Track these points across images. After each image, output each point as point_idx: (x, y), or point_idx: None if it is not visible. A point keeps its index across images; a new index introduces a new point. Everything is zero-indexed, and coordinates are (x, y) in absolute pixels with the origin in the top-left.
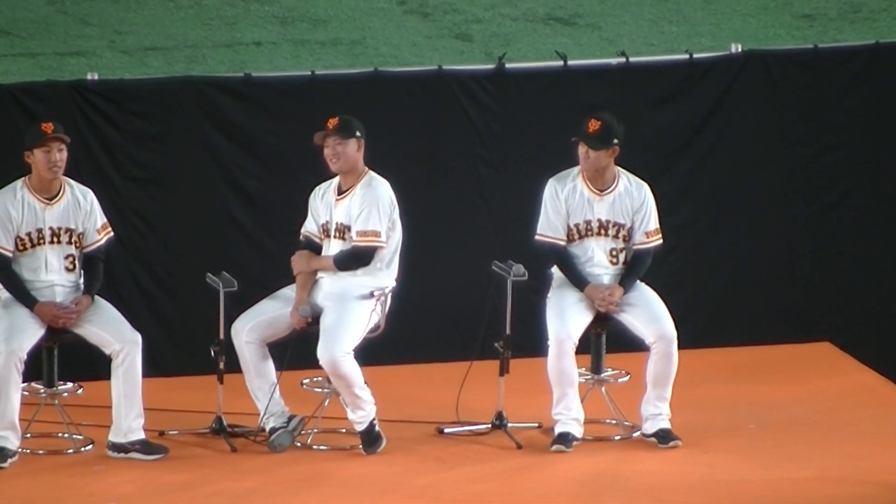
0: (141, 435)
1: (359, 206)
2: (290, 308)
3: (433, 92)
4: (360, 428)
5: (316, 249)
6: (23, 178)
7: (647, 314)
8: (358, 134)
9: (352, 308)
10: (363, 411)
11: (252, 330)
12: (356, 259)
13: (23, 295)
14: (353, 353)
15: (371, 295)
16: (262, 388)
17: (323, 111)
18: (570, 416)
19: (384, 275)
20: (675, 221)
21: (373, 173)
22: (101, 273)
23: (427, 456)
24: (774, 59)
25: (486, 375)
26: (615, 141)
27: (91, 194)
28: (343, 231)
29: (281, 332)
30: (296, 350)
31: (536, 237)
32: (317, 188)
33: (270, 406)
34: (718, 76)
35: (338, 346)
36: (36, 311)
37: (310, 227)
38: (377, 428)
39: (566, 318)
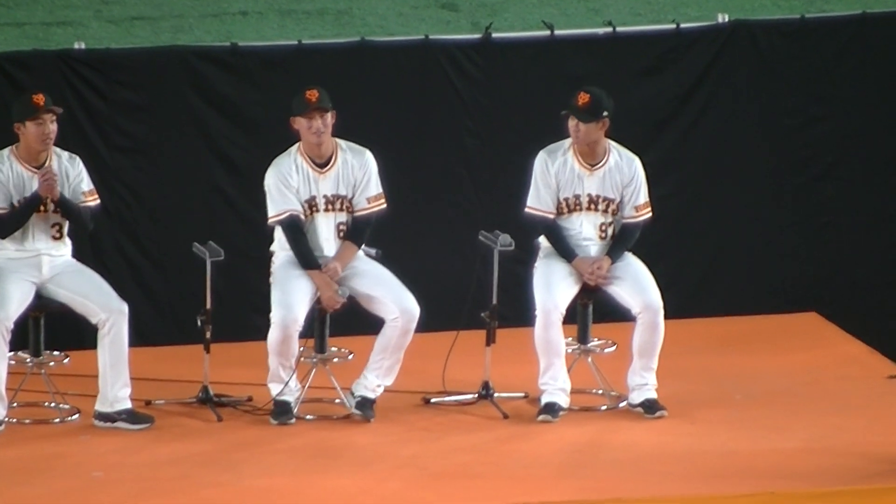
0: (127, 405)
1: (360, 175)
2: (313, 287)
3: (419, 62)
4: (371, 395)
5: (302, 227)
6: (9, 148)
7: (634, 285)
8: (331, 105)
9: (380, 268)
10: (389, 381)
11: (301, 319)
12: (369, 226)
13: (23, 210)
14: None
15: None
16: (292, 366)
17: (309, 81)
18: (556, 386)
19: None
20: (660, 192)
21: (343, 141)
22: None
23: (413, 426)
24: (761, 30)
25: (472, 346)
26: (605, 113)
27: (78, 160)
28: (340, 202)
29: (308, 310)
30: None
31: (526, 210)
32: (280, 168)
33: (293, 383)
34: (705, 46)
35: (413, 302)
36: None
37: (292, 206)
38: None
39: (553, 288)
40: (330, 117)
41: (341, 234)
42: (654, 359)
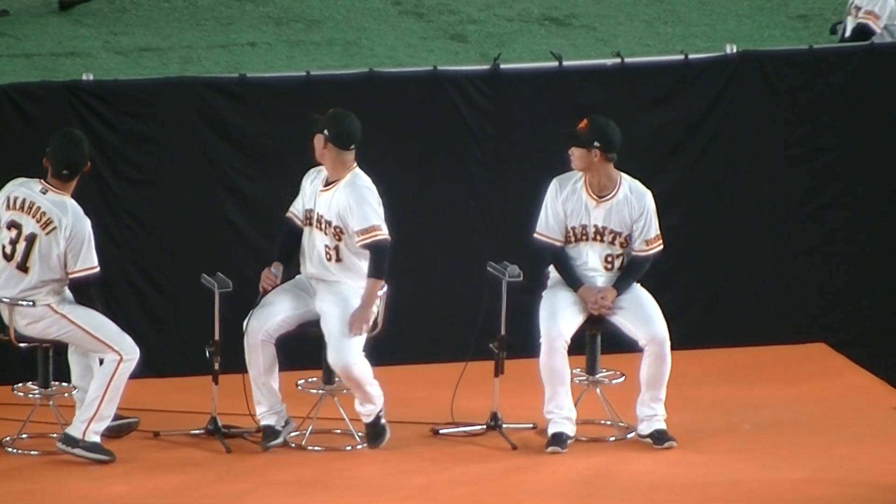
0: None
1: (346, 205)
2: (299, 304)
3: (428, 93)
4: (366, 420)
5: (297, 232)
6: (70, 193)
7: (640, 316)
8: (326, 132)
9: (353, 311)
10: (372, 405)
11: (269, 330)
12: (377, 257)
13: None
14: (363, 353)
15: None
16: (269, 385)
17: (318, 112)
18: (561, 415)
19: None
20: (668, 221)
21: (358, 171)
22: None
23: (422, 457)
24: (769, 60)
25: (480, 376)
26: (596, 144)
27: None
28: (324, 225)
29: (288, 328)
30: (293, 350)
31: (535, 236)
32: (311, 170)
33: (274, 404)
34: (713, 77)
35: (349, 352)
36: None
37: (296, 209)
38: (383, 421)
39: (558, 316)
40: (319, 139)
41: (328, 256)
42: (661, 389)
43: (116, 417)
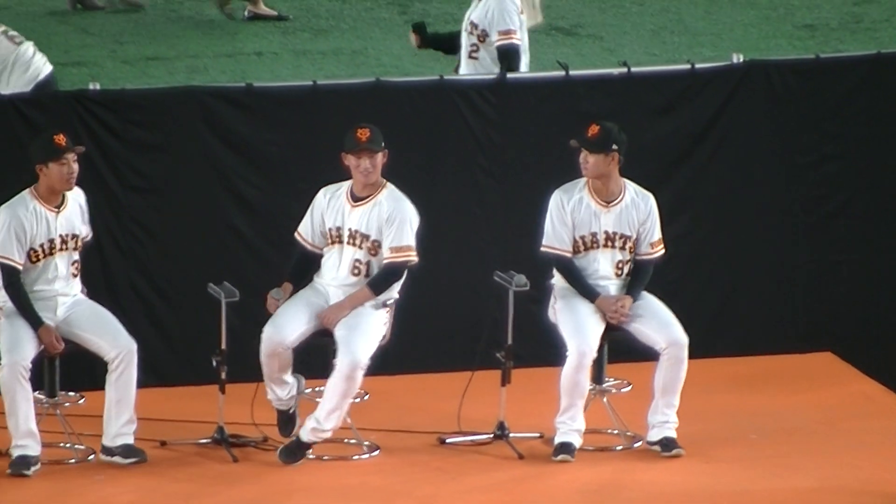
0: (128, 440)
1: (388, 220)
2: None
3: (434, 102)
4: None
5: (309, 257)
6: (29, 190)
7: (657, 321)
8: (383, 144)
9: (367, 317)
10: (331, 426)
11: (286, 342)
12: (391, 276)
13: (29, 312)
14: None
15: (383, 305)
16: (281, 380)
17: (324, 121)
18: (572, 427)
19: (395, 285)
20: (674, 231)
21: (391, 185)
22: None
23: (428, 466)
24: (776, 69)
25: (487, 385)
26: (614, 147)
27: (81, 193)
28: (360, 239)
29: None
30: (301, 360)
31: (542, 249)
32: (326, 189)
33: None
34: (720, 86)
35: (360, 353)
36: (40, 332)
37: (304, 230)
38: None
39: (586, 331)
40: (380, 157)
41: (356, 271)
42: (676, 396)
43: (128, 450)
